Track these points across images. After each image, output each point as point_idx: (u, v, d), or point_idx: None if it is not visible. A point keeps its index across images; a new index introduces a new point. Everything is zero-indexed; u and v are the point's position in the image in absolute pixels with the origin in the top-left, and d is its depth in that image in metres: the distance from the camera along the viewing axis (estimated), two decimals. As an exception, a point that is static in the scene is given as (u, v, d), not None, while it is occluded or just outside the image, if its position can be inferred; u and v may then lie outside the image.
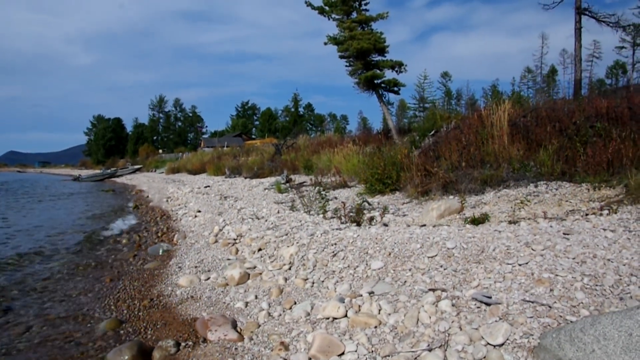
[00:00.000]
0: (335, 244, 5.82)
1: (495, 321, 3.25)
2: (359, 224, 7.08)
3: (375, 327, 3.68)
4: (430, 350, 3.16)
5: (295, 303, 4.61)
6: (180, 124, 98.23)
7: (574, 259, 4.01)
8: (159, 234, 10.04)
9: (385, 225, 6.88)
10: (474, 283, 3.97)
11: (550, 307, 3.29)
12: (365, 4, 22.55)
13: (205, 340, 4.16)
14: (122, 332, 4.60)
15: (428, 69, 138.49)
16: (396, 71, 22.82)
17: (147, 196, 20.95)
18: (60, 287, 6.34)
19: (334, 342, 3.50)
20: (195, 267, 6.57)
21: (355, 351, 3.38)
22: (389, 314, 3.82)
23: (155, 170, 47.76)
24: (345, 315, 3.98)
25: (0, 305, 5.49)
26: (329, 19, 22.87)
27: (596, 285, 3.48)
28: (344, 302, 4.12)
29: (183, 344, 4.11)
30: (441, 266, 4.47)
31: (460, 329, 3.32)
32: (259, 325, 4.29)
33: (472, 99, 62.90)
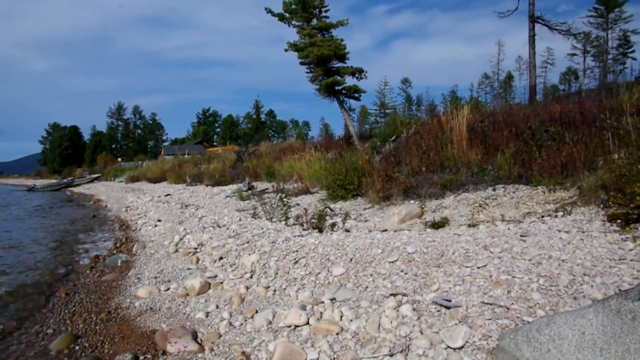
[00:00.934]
0: (297, 251, 5.79)
1: (455, 324, 3.28)
2: (320, 230, 7.06)
3: (337, 333, 3.67)
4: (391, 355, 3.17)
5: (256, 312, 4.55)
6: (139, 131, 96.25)
7: (530, 260, 4.10)
8: (118, 245, 9.77)
9: (347, 231, 6.89)
10: (434, 287, 4.01)
11: (508, 308, 3.35)
12: (326, 11, 22.71)
13: (164, 352, 4.04)
14: (77, 347, 4.42)
15: (388, 75, 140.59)
16: (357, 78, 23.02)
17: (106, 205, 20.41)
18: (12, 303, 6.08)
19: (295, 351, 3.46)
20: (155, 277, 6.41)
21: (317, 359, 3.35)
22: (351, 320, 3.81)
23: (114, 179, 46.62)
24: (307, 323, 3.94)
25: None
26: (289, 26, 22.92)
27: (551, 285, 3.56)
28: (305, 310, 4.09)
29: (142, 357, 3.99)
30: (402, 271, 4.50)
31: (421, 333, 3.34)
32: (220, 336, 4.21)
33: (432, 104, 64.01)
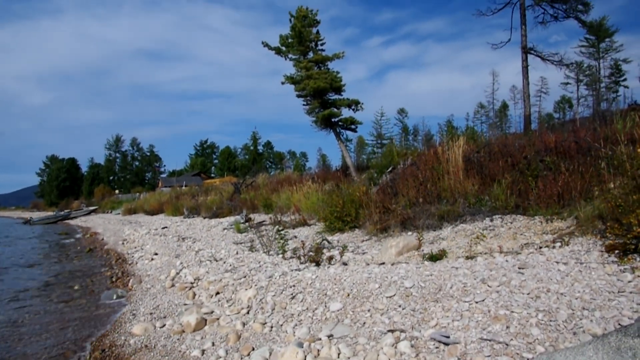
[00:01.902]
0: (294, 285, 5.74)
1: (454, 362, 3.24)
2: (318, 264, 7.02)
3: (335, 372, 3.61)
4: (390, 395, 3.11)
5: (253, 349, 4.48)
6: (137, 163, 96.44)
7: (528, 294, 4.07)
8: (114, 279, 9.68)
9: (345, 264, 6.84)
10: (432, 322, 3.96)
11: (507, 344, 3.30)
12: (322, 44, 22.98)
13: (158, 393, 3.97)
14: (69, 388, 4.35)
15: (385, 105, 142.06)
16: (353, 109, 23.14)
17: (102, 239, 20.28)
18: (1, 339, 5.98)
19: (292, 391, 3.39)
20: (151, 313, 6.33)
21: (314, 399, 3.29)
22: (349, 358, 3.76)
23: (111, 212, 46.51)
24: (304, 361, 3.88)
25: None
26: (286, 59, 23.17)
27: (550, 320, 3.53)
28: (302, 347, 4.03)
29: (135, 398, 3.91)
30: (400, 306, 4.45)
31: (420, 371, 3.29)
32: (216, 375, 4.13)
33: (429, 134, 64.46)
